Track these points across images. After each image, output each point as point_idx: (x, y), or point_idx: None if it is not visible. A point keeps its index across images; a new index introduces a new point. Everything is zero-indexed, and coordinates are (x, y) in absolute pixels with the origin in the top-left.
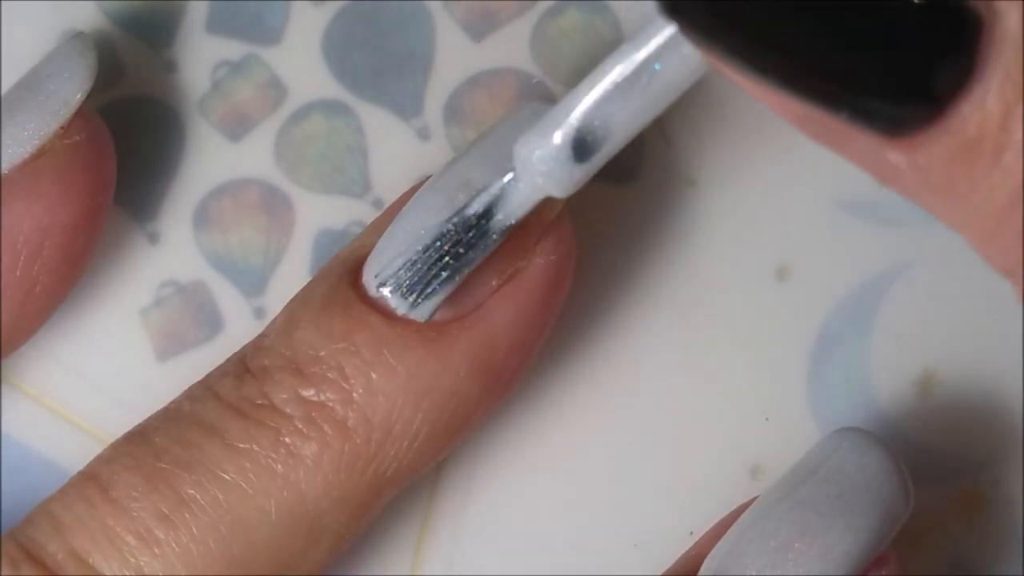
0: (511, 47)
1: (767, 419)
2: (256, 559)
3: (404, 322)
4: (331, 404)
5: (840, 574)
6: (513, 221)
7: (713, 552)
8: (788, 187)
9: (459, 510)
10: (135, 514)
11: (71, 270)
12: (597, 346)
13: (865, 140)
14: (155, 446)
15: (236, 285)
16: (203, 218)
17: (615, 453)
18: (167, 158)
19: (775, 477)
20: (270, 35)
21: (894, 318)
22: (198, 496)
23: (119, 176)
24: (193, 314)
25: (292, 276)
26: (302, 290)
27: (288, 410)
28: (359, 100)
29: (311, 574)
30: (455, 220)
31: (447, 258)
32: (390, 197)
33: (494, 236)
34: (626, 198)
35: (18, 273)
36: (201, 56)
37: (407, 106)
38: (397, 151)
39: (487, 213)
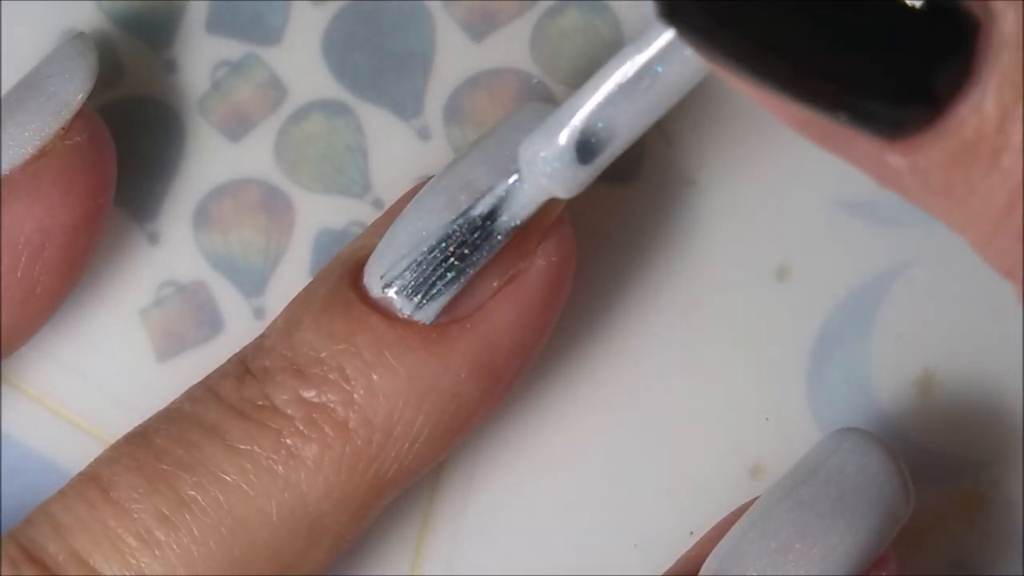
0: (511, 47)
1: (767, 419)
2: (257, 560)
3: (405, 323)
4: (332, 405)
5: (840, 575)
6: (518, 222)
7: (714, 552)
8: (788, 187)
9: (459, 510)
10: (136, 515)
11: (72, 271)
12: (597, 347)
13: (864, 143)
14: (156, 447)
15: (236, 285)
16: (203, 218)
17: (615, 453)
18: (167, 158)
19: (775, 477)
20: (270, 35)
21: (894, 318)
22: (199, 497)
23: (119, 176)
24: (193, 314)
25: (292, 276)
26: (303, 291)
27: (289, 411)
28: (359, 100)
29: (312, 575)
30: (460, 221)
31: (452, 259)
32: (390, 197)
33: (499, 237)
34: (626, 198)
35: (19, 274)
36: (201, 56)
37: (407, 106)
38: (397, 151)
39: (492, 214)
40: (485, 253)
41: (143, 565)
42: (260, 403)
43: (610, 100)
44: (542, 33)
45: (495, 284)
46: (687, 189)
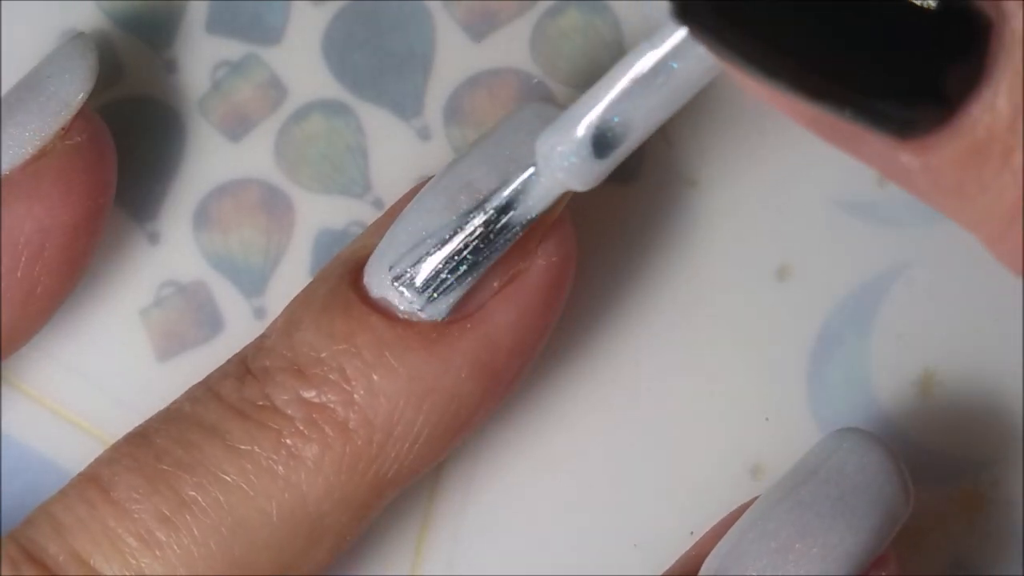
0: (511, 47)
1: (767, 419)
2: (257, 560)
3: (405, 323)
4: (332, 405)
5: (840, 574)
6: (533, 216)
7: (713, 552)
8: (788, 187)
9: (459, 510)
10: (136, 516)
11: (72, 271)
12: (598, 346)
13: (876, 142)
14: (156, 447)
15: (236, 285)
16: (203, 218)
17: (615, 453)
18: (167, 158)
19: (775, 477)
20: (270, 35)
21: (894, 318)
22: (199, 498)
23: (119, 176)
24: (193, 314)
25: (292, 276)
26: (303, 291)
27: (289, 411)
28: (359, 100)
29: (312, 575)
30: (474, 215)
31: (465, 253)
32: (390, 197)
33: (513, 231)
34: (626, 198)
35: (19, 274)
36: (201, 56)
37: (407, 106)
38: (397, 151)
39: (506, 208)
40: (499, 248)
41: (143, 565)
42: (260, 403)
43: (626, 95)
44: (542, 33)
45: (495, 284)
46: (687, 189)
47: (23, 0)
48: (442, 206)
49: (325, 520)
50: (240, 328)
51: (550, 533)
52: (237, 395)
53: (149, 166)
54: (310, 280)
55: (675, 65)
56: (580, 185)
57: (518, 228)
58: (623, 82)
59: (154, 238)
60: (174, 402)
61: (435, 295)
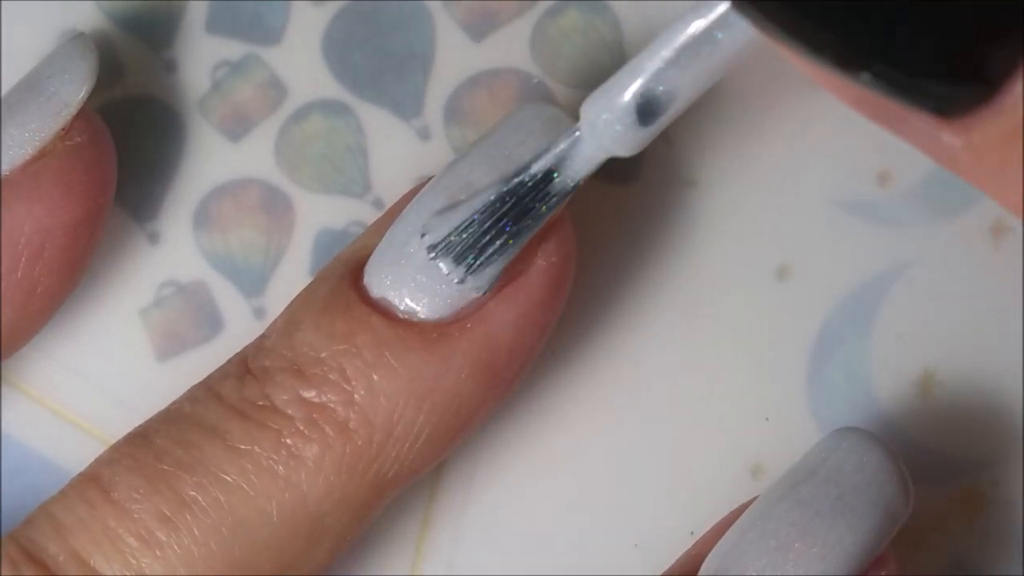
0: (511, 47)
1: (767, 419)
2: (257, 560)
3: (405, 323)
4: (332, 405)
5: (840, 574)
6: (576, 182)
7: (713, 552)
8: (788, 187)
9: (459, 510)
10: (136, 516)
11: (72, 271)
12: (598, 347)
13: (919, 120)
14: (156, 447)
15: (236, 285)
16: (203, 218)
17: (616, 453)
18: (167, 158)
19: (775, 477)
20: (270, 35)
21: (894, 318)
22: (199, 498)
23: (119, 176)
24: (193, 314)
25: (292, 276)
26: (303, 291)
27: (289, 411)
28: (359, 100)
29: (312, 575)
30: (516, 181)
31: (505, 220)
32: (390, 197)
33: (555, 198)
34: (626, 198)
35: (19, 274)
36: (201, 56)
37: (407, 106)
38: (397, 151)
39: (548, 175)
40: (541, 215)
41: (144, 565)
42: (260, 403)
43: (672, 64)
44: (542, 33)
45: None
46: (687, 189)
47: (23, 0)
48: (442, 206)
49: (325, 520)
50: (240, 328)
51: (550, 533)
52: (237, 395)
53: (149, 166)
54: (310, 280)
55: (720, 36)
56: (625, 152)
57: (559, 196)
58: (669, 51)
59: (154, 238)
60: (174, 402)
61: (476, 266)
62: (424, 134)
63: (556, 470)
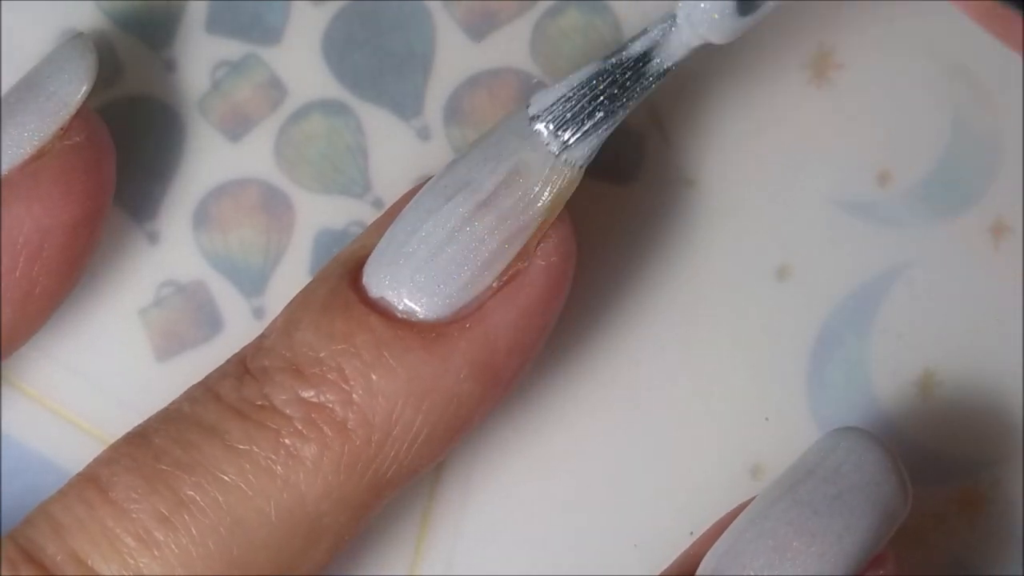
0: (511, 47)
1: (767, 419)
2: (256, 560)
3: (404, 323)
4: (331, 405)
5: (838, 574)
6: (670, 64)
7: (711, 551)
8: (788, 187)
9: (459, 510)
10: (134, 515)
11: (71, 271)
12: (597, 347)
13: None
14: (155, 447)
15: (236, 285)
16: (203, 218)
17: (615, 453)
18: (167, 158)
19: (775, 477)
20: (270, 35)
21: (894, 318)
22: (198, 497)
23: (119, 176)
24: (193, 314)
25: (292, 276)
26: (302, 291)
27: (288, 411)
28: (359, 100)
29: (311, 574)
30: (613, 60)
31: (602, 98)
32: (390, 197)
33: (650, 79)
34: (626, 198)
35: (18, 274)
36: (201, 56)
37: (407, 106)
38: (397, 151)
39: (646, 55)
40: (636, 94)
41: (141, 565)
42: (259, 403)
43: None
44: (542, 33)
45: (494, 284)
46: (687, 189)
47: (23, 0)
48: (441, 206)
49: (324, 520)
50: (239, 328)
51: (549, 533)
52: (236, 395)
53: (149, 166)
54: (310, 280)
55: None
56: (720, 39)
57: (654, 77)
58: None
59: (154, 238)
60: (173, 402)
61: (572, 139)
62: (424, 134)
63: (555, 470)
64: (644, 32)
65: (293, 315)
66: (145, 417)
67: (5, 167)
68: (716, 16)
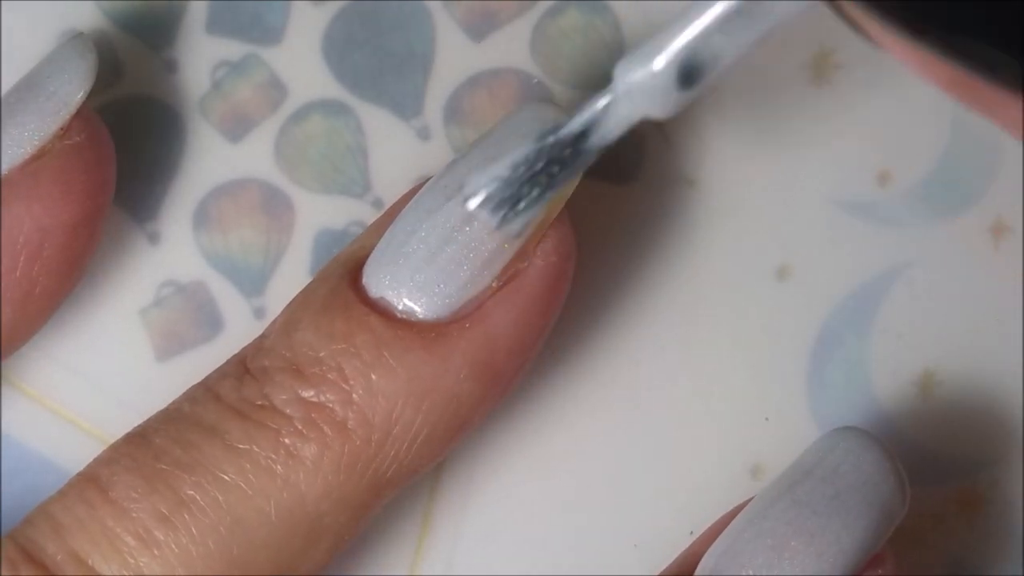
0: (511, 47)
1: (767, 419)
2: (256, 560)
3: (404, 323)
4: (331, 405)
5: (836, 573)
6: (608, 142)
7: (710, 551)
8: (788, 187)
9: (459, 510)
10: (134, 515)
11: (71, 271)
12: (597, 346)
13: (1015, 108)
14: (155, 447)
15: (236, 285)
16: (203, 218)
17: (615, 453)
18: (167, 158)
19: (775, 477)
20: (270, 35)
21: (894, 318)
22: (198, 497)
23: (119, 176)
24: (193, 314)
25: (292, 276)
26: (302, 291)
27: (288, 411)
28: (359, 100)
29: (310, 574)
30: (551, 139)
31: (540, 176)
32: (390, 197)
33: (589, 156)
34: (626, 198)
35: (18, 274)
36: (201, 56)
37: (407, 106)
38: (397, 151)
39: (584, 134)
40: (573, 172)
41: (142, 565)
42: (259, 403)
43: (717, 26)
44: (542, 33)
45: (494, 284)
46: (687, 189)
47: (23, 0)
48: (441, 206)
49: (324, 520)
50: (240, 328)
51: (550, 533)
52: (236, 395)
53: (149, 166)
54: (310, 280)
55: None
56: (660, 114)
57: (592, 155)
58: (714, 11)
59: (154, 238)
60: (173, 402)
61: (509, 216)
62: (424, 134)
63: (555, 470)
64: (581, 109)
65: (293, 315)
66: (145, 417)
67: (5, 167)
68: (657, 88)
